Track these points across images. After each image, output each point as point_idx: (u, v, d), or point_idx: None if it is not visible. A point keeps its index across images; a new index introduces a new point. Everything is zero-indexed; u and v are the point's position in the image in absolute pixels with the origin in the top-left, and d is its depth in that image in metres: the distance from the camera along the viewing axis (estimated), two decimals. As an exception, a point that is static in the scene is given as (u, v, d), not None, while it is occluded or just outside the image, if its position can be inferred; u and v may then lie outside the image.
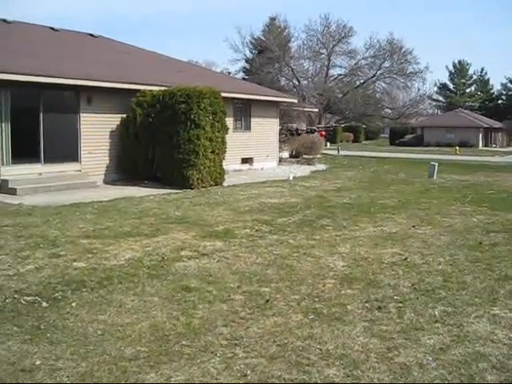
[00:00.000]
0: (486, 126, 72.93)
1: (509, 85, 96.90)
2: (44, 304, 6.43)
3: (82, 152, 18.31)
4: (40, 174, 17.04)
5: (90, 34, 27.17)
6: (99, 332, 5.61)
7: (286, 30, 59.32)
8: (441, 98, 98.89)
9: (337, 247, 9.61)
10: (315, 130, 23.59)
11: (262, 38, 58.22)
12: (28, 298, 6.58)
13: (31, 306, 6.35)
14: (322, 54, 56.63)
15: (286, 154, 31.73)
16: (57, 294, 6.76)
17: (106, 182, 18.70)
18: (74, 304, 6.45)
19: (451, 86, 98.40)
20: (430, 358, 5.07)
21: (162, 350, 5.19)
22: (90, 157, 18.45)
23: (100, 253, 8.90)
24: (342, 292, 7.00)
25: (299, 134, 19.66)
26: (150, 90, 19.03)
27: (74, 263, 8.26)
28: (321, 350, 5.22)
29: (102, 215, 12.40)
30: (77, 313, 6.16)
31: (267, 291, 7.00)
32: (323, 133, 24.96)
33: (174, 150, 17.74)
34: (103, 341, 5.38)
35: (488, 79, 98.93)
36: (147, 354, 5.08)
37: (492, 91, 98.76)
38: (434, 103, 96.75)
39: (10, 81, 15.75)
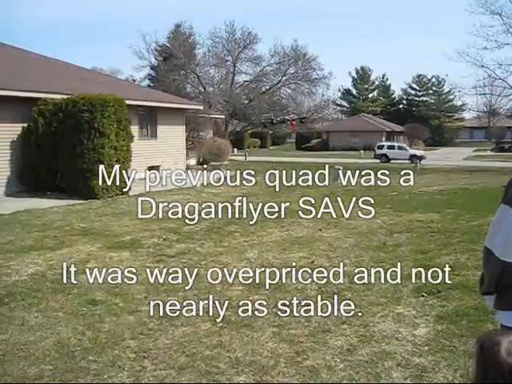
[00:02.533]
0: (388, 129, 75.35)
1: (408, 90, 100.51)
2: None
3: (-20, 164, 17.62)
4: None
5: (-12, 41, 26.19)
6: (0, 352, 5.39)
7: (192, 37, 59.24)
8: (345, 104, 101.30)
9: (245, 253, 9.66)
10: None
11: (167, 44, 57.87)
12: None
13: None
14: (228, 60, 56.88)
15: (193, 161, 31.65)
16: (-47, 314, 6.46)
17: (7, 193, 18.05)
18: (-28, 324, 6.17)
19: (354, 92, 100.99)
20: (338, 360, 5.17)
21: (67, 367, 5.05)
22: (-12, 168, 17.77)
23: (1, 268, 8.57)
24: (250, 298, 7.03)
25: None
26: (52, 99, 18.55)
27: (-27, 281, 7.92)
28: (230, 357, 5.21)
29: (3, 229, 11.96)
30: (-25, 332, 5.90)
31: (175, 301, 6.93)
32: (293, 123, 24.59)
33: (78, 160, 17.35)
34: (5, 362, 5.18)
35: (389, 85, 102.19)
36: (52, 373, 4.92)
37: (393, 96, 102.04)
38: (339, 108, 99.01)
39: None
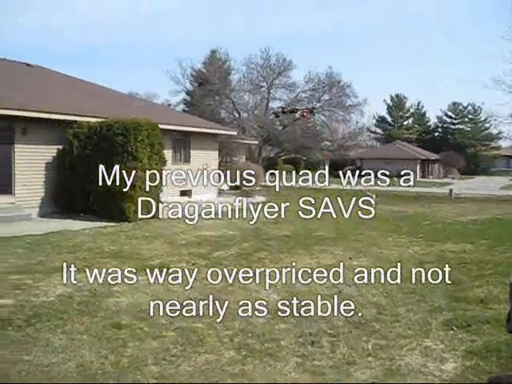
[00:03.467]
0: (423, 157, 74.73)
1: (444, 118, 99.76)
2: (-34, 344, 6.16)
3: (15, 184, 17.88)
4: (-30, 206, 16.54)
5: (27, 64, 26.76)
6: (23, 373, 5.40)
7: (227, 63, 59.75)
8: (379, 131, 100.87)
9: (272, 280, 9.56)
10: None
11: (203, 70, 58.45)
12: (-51, 339, 6.30)
13: (-48, 347, 6.07)
14: (262, 86, 57.23)
15: (225, 186, 31.73)
16: (-20, 334, 6.50)
17: (41, 214, 18.28)
18: (-3, 344, 6.20)
19: (389, 119, 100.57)
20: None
21: (87, 391, 5.02)
22: (24, 189, 18.04)
23: (29, 289, 8.64)
24: (276, 327, 6.94)
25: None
26: (87, 122, 18.81)
27: (1, 300, 7.98)
28: (251, 387, 5.14)
29: (35, 249, 12.08)
30: (0, 353, 5.92)
31: (200, 327, 6.88)
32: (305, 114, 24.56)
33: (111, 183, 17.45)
34: (25, 383, 5.17)
35: (424, 112, 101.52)
36: (70, 397, 4.90)
37: (428, 124, 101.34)
38: (373, 135, 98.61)
39: None
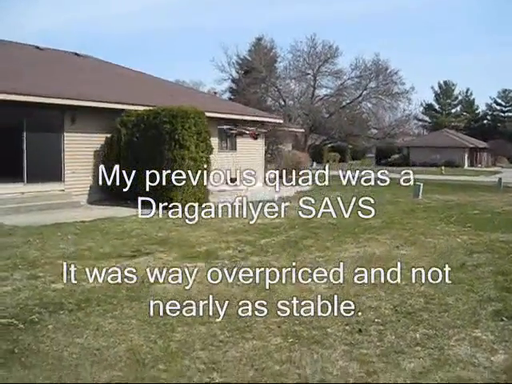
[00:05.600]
0: (471, 146, 73.52)
1: (493, 105, 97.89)
2: (20, 326, 6.31)
3: (65, 171, 18.23)
4: (22, 193, 16.92)
5: (76, 53, 27.16)
6: (74, 356, 5.51)
7: (273, 51, 59.53)
8: (426, 118, 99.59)
9: (319, 268, 9.53)
10: (244, 133, 23.07)
11: (249, 58, 58.35)
12: (3, 321, 6.46)
13: (6, 329, 6.23)
14: (308, 74, 56.80)
15: (271, 174, 31.72)
16: (33, 317, 6.65)
17: (89, 201, 18.60)
18: (50, 327, 6.34)
19: (437, 107, 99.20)
20: (409, 382, 5.01)
21: (137, 374, 5.09)
22: (73, 176, 18.37)
23: (79, 274, 8.78)
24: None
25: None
26: (135, 110, 19.00)
27: (53, 285, 8.15)
28: (299, 374, 5.14)
29: (84, 236, 12.30)
30: (53, 336, 6.05)
31: (247, 313, 6.91)
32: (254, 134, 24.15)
33: (158, 170, 17.62)
34: (78, 365, 5.28)
35: (473, 99, 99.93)
36: (122, 379, 4.98)
37: (477, 111, 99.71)
38: (420, 123, 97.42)
39: (-6, 100, 15.69)
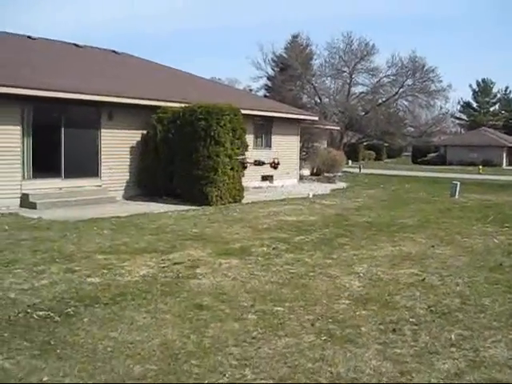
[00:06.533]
0: (510, 144, 72.24)
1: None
2: (56, 319, 6.41)
3: (102, 167, 18.44)
4: (60, 188, 17.17)
5: (113, 51, 27.44)
6: (109, 349, 5.57)
7: (308, 48, 59.21)
8: (464, 117, 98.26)
9: (354, 267, 9.49)
10: (263, 163, 22.83)
11: (284, 55, 58.16)
12: (40, 313, 6.56)
13: (43, 321, 6.33)
14: (344, 71, 56.48)
15: (306, 172, 31.69)
16: (69, 310, 6.74)
17: (125, 197, 18.79)
18: (85, 320, 6.42)
19: (475, 105, 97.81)
20: (442, 383, 4.95)
21: (170, 369, 5.12)
22: (109, 172, 18.57)
23: (115, 269, 8.89)
24: (357, 313, 6.89)
25: (245, 167, 18.65)
26: (171, 107, 19.11)
27: (89, 279, 8.25)
28: (331, 372, 5.11)
29: (119, 231, 12.42)
30: (88, 329, 6.13)
31: (281, 311, 6.91)
32: (274, 163, 23.86)
33: (194, 167, 17.76)
34: (112, 358, 5.33)
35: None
36: (155, 373, 5.01)
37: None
38: (457, 122, 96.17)
39: (33, 96, 15.95)
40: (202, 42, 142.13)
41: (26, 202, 15.91)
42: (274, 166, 24.24)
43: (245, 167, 19.15)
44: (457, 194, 22.64)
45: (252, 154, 21.72)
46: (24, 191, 16.16)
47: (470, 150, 67.83)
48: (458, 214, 17.04)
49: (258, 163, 22.66)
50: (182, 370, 5.09)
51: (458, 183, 23.37)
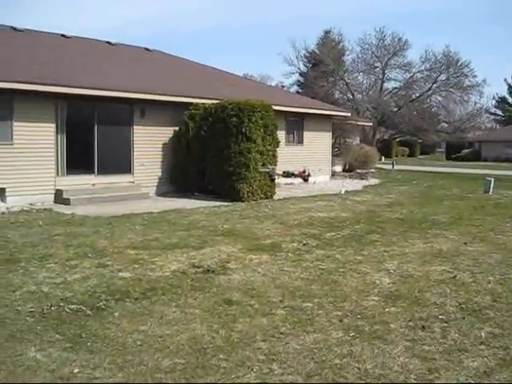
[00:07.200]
0: (547, 141, 71.00)
1: None
2: (87, 313, 6.51)
3: (134, 164, 18.61)
4: (93, 184, 17.38)
5: (146, 49, 27.66)
6: (138, 342, 5.64)
7: (341, 44, 59.09)
8: (499, 112, 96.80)
9: (384, 263, 9.45)
10: (293, 174, 22.52)
11: (316, 51, 58.08)
12: (72, 307, 6.67)
13: (75, 315, 6.44)
14: (377, 67, 56.19)
15: (338, 168, 31.55)
16: (100, 304, 6.84)
17: (157, 193, 18.95)
18: (116, 314, 6.51)
19: (510, 100, 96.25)
20: (472, 382, 4.91)
21: (198, 363, 5.17)
22: (142, 168, 18.74)
23: (146, 264, 8.99)
24: (386, 310, 6.86)
25: (273, 180, 18.34)
26: (203, 103, 19.19)
27: (120, 273, 8.36)
28: (359, 368, 5.11)
29: (151, 226, 12.54)
30: (118, 322, 6.22)
31: (310, 307, 6.92)
32: (305, 173, 23.46)
33: (225, 163, 17.82)
34: (141, 351, 5.40)
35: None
36: (183, 367, 5.07)
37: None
38: (492, 117, 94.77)
39: (66, 94, 16.18)
40: (233, 40, 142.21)
41: (59, 197, 16.15)
42: (304, 177, 24.07)
43: (273, 179, 18.82)
44: (491, 190, 22.35)
45: (284, 151, 21.70)
46: (58, 187, 16.40)
47: (506, 145, 66.76)
48: (491, 211, 16.83)
49: (287, 175, 22.48)
50: (209, 364, 5.14)
51: (492, 179, 23.07)
